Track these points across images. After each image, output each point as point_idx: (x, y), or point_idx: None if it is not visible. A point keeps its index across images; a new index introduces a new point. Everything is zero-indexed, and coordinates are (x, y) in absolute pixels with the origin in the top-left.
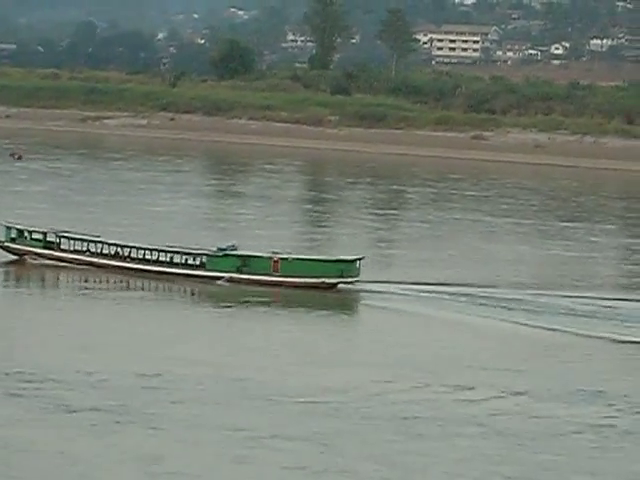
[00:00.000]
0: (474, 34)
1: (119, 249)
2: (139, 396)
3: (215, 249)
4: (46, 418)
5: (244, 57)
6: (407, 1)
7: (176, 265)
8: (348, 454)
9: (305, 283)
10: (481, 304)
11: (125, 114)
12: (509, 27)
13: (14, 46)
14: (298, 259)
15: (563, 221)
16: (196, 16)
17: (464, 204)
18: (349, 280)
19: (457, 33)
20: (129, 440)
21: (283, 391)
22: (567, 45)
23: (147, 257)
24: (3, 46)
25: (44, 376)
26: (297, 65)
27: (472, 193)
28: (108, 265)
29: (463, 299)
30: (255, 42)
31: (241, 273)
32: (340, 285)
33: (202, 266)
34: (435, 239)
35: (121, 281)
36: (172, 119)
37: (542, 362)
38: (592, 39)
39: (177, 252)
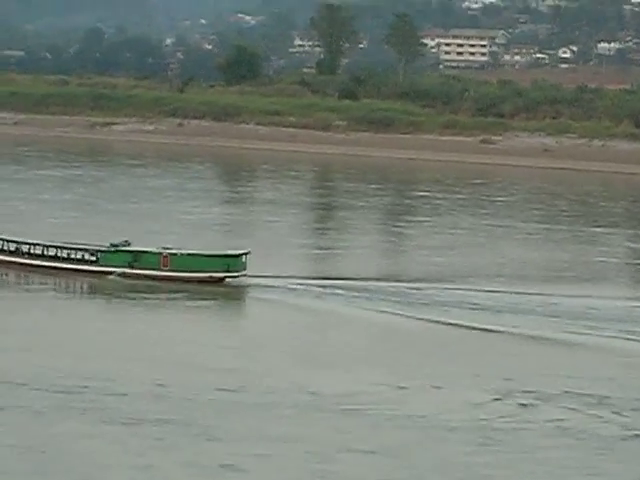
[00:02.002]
0: (482, 38)
1: (19, 246)
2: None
3: (108, 245)
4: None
5: (252, 62)
6: (415, 6)
7: (73, 261)
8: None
9: (193, 278)
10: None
11: (133, 120)
12: (517, 31)
13: (22, 53)
14: (186, 254)
15: (598, 226)
16: (203, 22)
17: (494, 210)
18: (235, 274)
19: (465, 37)
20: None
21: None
22: (575, 49)
23: (46, 253)
24: (11, 53)
25: None
26: (305, 70)
27: (500, 199)
28: (8, 262)
29: None
30: (262, 47)
31: (132, 268)
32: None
33: (96, 262)
34: (478, 247)
35: (20, 277)
36: (180, 125)
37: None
38: (600, 42)
39: (74, 249)
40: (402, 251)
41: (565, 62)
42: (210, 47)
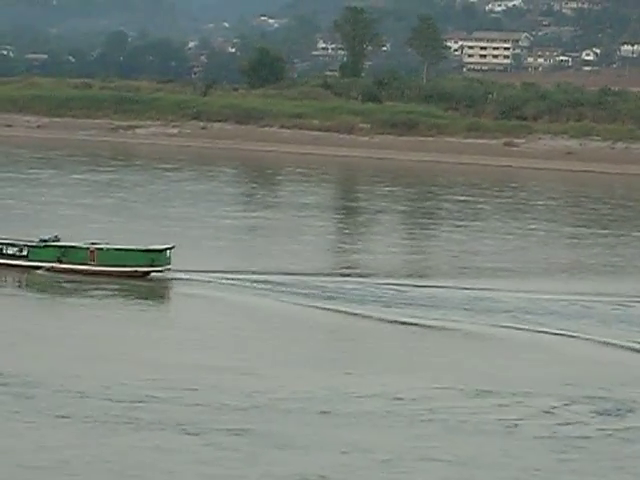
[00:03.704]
0: (505, 41)
1: None
2: None
3: (38, 240)
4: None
5: (275, 65)
6: (438, 8)
7: (4, 256)
8: None
9: (119, 272)
10: None
11: (157, 123)
12: (540, 33)
13: (45, 56)
14: (113, 249)
15: None
16: (226, 25)
17: (538, 214)
18: (160, 268)
19: (488, 40)
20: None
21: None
22: (598, 51)
23: None
24: (34, 56)
25: None
26: (328, 73)
27: (540, 202)
28: None
29: None
30: (286, 50)
31: (61, 263)
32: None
33: (26, 257)
34: (522, 251)
35: None
36: (203, 128)
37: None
38: (623, 45)
39: (3, 244)
40: (468, 259)
41: (588, 64)
42: (233, 50)
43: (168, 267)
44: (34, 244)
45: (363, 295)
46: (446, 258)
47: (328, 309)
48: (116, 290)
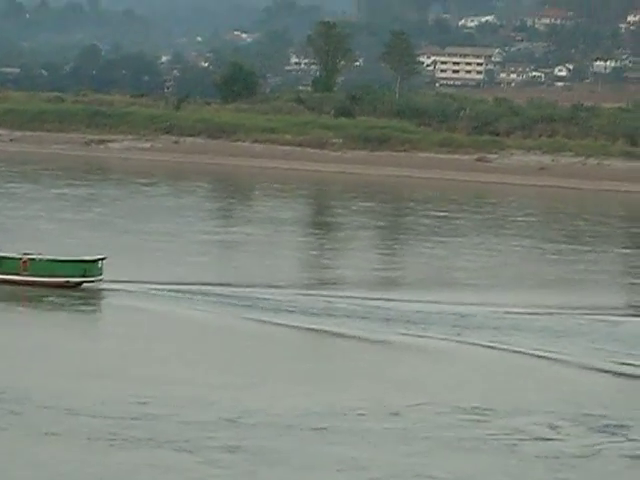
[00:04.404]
0: (478, 56)
1: None
2: None
3: None
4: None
5: (247, 80)
6: (411, 23)
7: None
8: None
9: (51, 282)
10: None
11: (129, 137)
12: (513, 49)
13: (18, 70)
14: (45, 260)
15: (625, 248)
16: (200, 39)
17: (518, 230)
18: (92, 279)
19: (461, 55)
20: None
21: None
22: (571, 67)
23: None
24: (7, 70)
25: None
26: (301, 88)
27: (519, 218)
28: None
29: None
30: (259, 65)
31: None
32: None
33: None
34: (507, 267)
35: None
36: (176, 142)
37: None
38: (596, 61)
39: None
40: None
41: (561, 80)
42: (206, 64)
43: (100, 278)
44: None
45: (335, 309)
46: (429, 274)
47: (291, 325)
48: (49, 301)
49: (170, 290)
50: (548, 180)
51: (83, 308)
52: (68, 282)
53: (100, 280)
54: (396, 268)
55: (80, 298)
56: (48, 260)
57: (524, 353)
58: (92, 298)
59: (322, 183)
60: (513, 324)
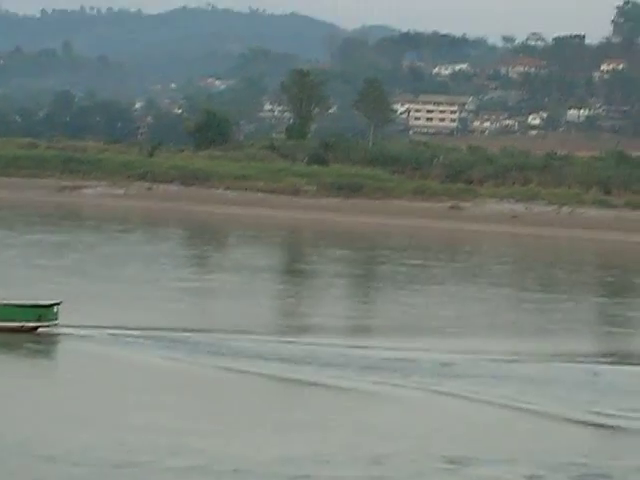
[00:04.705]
0: (451, 104)
1: None
2: None
3: None
4: None
5: (221, 127)
6: (385, 71)
7: None
8: None
9: (6, 327)
10: None
11: (103, 184)
12: (486, 97)
13: None
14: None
15: (599, 296)
16: (174, 86)
17: (494, 279)
18: (47, 324)
19: (434, 103)
20: None
21: None
22: (544, 115)
23: None
24: None
25: None
26: (274, 135)
27: (495, 267)
28: None
29: None
30: (232, 112)
31: None
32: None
33: None
34: (485, 316)
35: None
36: (149, 189)
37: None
38: (569, 109)
39: None
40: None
41: (534, 128)
42: (180, 111)
43: (55, 323)
44: None
45: (309, 358)
46: (407, 322)
47: (267, 374)
48: (3, 343)
49: (142, 337)
50: (521, 228)
51: (40, 353)
52: (23, 327)
53: (55, 325)
54: (374, 316)
55: (35, 343)
56: (2, 305)
57: (503, 404)
58: (48, 343)
59: (296, 230)
60: (492, 373)
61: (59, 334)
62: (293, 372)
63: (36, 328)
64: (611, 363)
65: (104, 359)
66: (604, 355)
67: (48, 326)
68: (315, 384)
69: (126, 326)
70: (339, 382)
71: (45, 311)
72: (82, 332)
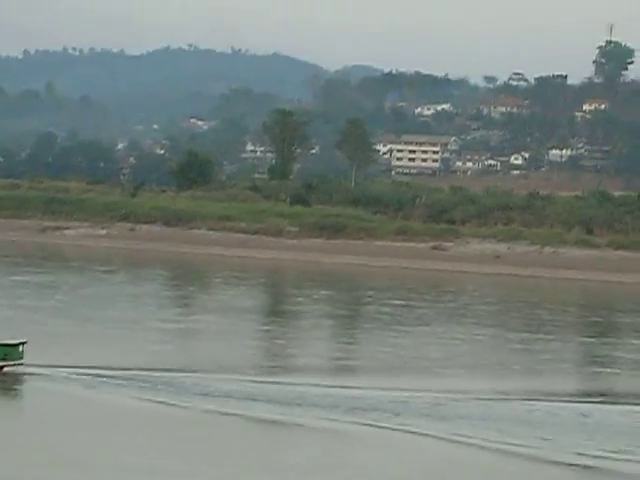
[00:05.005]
0: (434, 144)
1: None
2: None
3: None
4: None
5: (203, 167)
6: (367, 111)
7: None
8: None
9: None
10: None
11: (85, 224)
12: (469, 137)
13: None
14: None
15: (586, 336)
16: (156, 126)
17: (480, 319)
18: (12, 363)
19: (417, 143)
20: None
21: None
22: (526, 155)
23: None
24: None
25: None
26: (257, 176)
27: (480, 307)
28: None
29: None
30: (215, 152)
31: None
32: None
33: None
34: (472, 357)
35: None
36: (132, 229)
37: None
38: (551, 149)
39: None
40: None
41: (517, 168)
42: (162, 152)
43: (21, 362)
44: None
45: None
46: (395, 363)
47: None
48: None
49: (124, 378)
50: (504, 268)
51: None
52: None
53: (21, 364)
54: (362, 357)
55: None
56: None
57: (488, 447)
58: (15, 383)
59: (279, 271)
60: (480, 414)
61: (25, 374)
62: (282, 414)
63: (1, 368)
64: (598, 403)
65: (76, 400)
66: (591, 395)
67: (14, 365)
68: (302, 426)
69: (108, 367)
70: (327, 424)
71: (10, 350)
72: (61, 373)
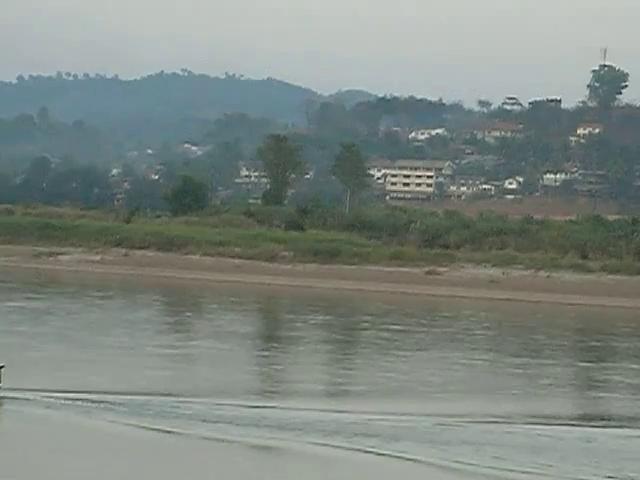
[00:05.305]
0: (428, 169)
1: None
2: None
3: None
4: None
5: (198, 193)
6: (361, 136)
7: None
8: None
9: None
10: None
11: (79, 250)
12: (463, 162)
13: None
14: None
15: (586, 361)
16: (150, 152)
17: (478, 344)
18: None
19: (411, 168)
20: None
21: None
22: (521, 180)
23: None
24: None
25: None
26: (251, 201)
27: (478, 332)
28: None
29: None
30: (209, 177)
31: None
32: None
33: None
34: (472, 382)
35: None
36: (126, 255)
37: None
38: (546, 174)
39: None
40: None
41: (511, 193)
42: (157, 177)
43: None
44: None
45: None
46: (395, 388)
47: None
48: None
49: (122, 403)
50: (499, 293)
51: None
52: None
53: None
54: (361, 382)
55: None
56: None
57: (489, 474)
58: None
59: (274, 296)
60: (485, 439)
61: (4, 397)
62: (279, 440)
63: None
64: (601, 427)
65: (54, 425)
66: (594, 419)
67: None
68: (301, 452)
69: (116, 391)
70: (326, 451)
71: None
72: (45, 398)
